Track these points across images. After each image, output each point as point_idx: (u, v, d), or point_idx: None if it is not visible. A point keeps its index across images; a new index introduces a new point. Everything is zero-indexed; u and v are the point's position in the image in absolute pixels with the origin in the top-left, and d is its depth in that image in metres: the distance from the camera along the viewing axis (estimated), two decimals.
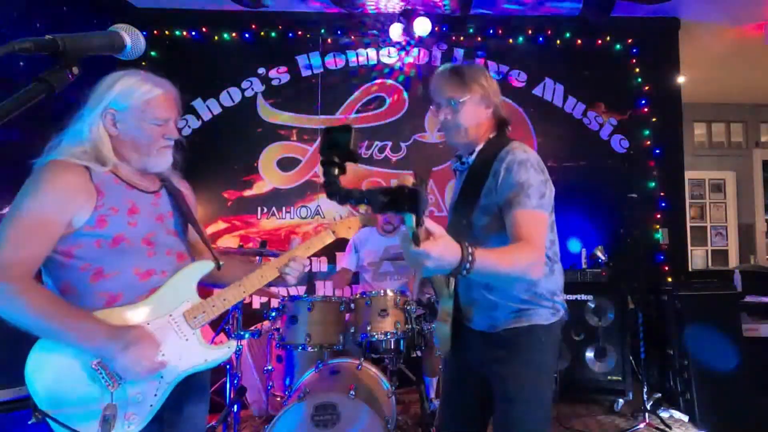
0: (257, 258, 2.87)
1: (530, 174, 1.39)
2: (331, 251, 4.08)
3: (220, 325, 2.95)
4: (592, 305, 3.57)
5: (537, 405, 1.44)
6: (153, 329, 1.32)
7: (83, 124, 1.32)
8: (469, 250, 1.13)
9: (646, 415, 3.17)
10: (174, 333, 1.36)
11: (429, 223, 1.06)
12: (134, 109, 1.33)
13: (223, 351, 1.43)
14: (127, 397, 1.27)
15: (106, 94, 1.32)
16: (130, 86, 1.33)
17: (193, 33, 4.29)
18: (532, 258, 1.30)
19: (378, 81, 4.38)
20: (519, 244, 1.31)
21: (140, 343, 1.25)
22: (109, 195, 1.30)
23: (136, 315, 1.31)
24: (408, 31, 4.13)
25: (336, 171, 1.01)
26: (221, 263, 1.48)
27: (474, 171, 1.52)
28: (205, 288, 1.49)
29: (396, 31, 4.13)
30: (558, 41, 4.41)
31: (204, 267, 1.44)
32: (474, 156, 1.54)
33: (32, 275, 1.23)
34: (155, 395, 1.31)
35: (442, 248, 1.07)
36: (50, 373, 1.22)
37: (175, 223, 1.46)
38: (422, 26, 4.08)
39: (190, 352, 1.37)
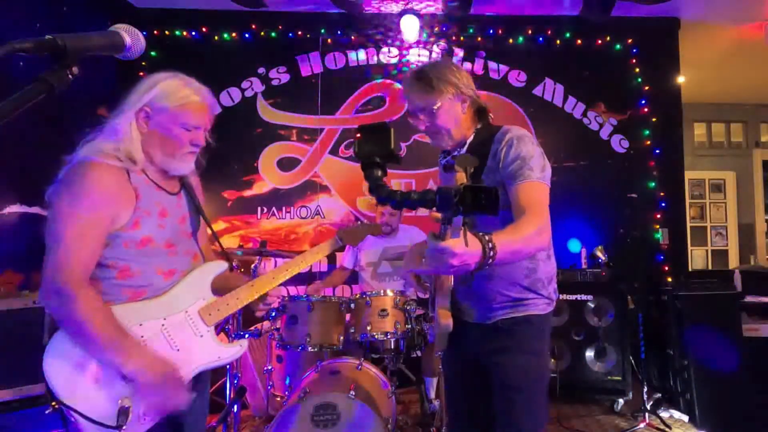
0: (257, 257, 2.87)
1: (530, 147, 1.41)
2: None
3: (220, 325, 2.95)
4: (592, 305, 3.57)
5: (539, 392, 1.47)
6: (169, 325, 1.35)
7: (119, 121, 1.33)
8: (487, 238, 1.10)
9: (646, 415, 3.17)
10: (189, 329, 1.39)
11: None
12: (169, 111, 1.34)
13: (235, 349, 1.47)
14: None
15: (146, 93, 1.33)
16: (170, 88, 1.34)
17: (193, 33, 4.29)
18: (539, 226, 1.30)
19: (378, 81, 4.39)
20: (525, 216, 1.31)
21: (170, 385, 1.27)
22: (144, 198, 1.33)
23: (155, 310, 1.34)
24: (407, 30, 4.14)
25: (379, 173, 0.94)
26: (233, 265, 1.53)
27: None
28: None
29: (408, 24, 4.09)
30: (558, 41, 4.41)
31: (218, 267, 1.49)
32: (465, 149, 1.54)
33: (88, 278, 1.24)
34: None
35: (462, 244, 1.03)
36: (68, 364, 1.23)
37: (191, 223, 1.49)
38: (410, 25, 4.08)
39: (205, 349, 1.40)
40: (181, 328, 1.37)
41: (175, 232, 1.41)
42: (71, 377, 1.23)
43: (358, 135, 0.98)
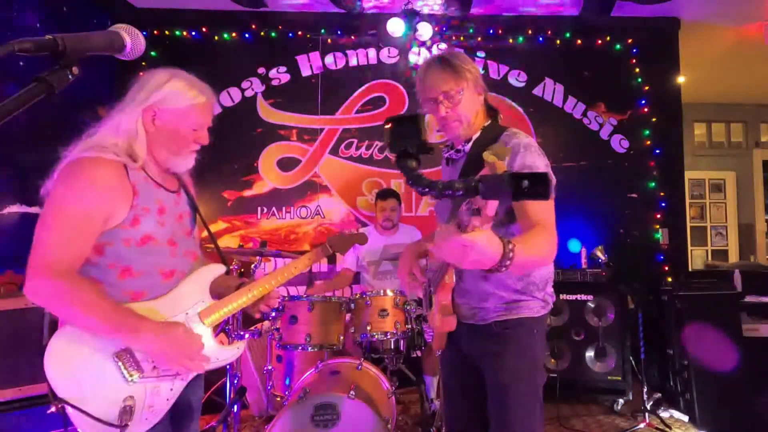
0: (257, 257, 2.87)
1: (536, 158, 1.39)
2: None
3: (220, 325, 2.95)
4: (592, 305, 3.57)
5: (532, 395, 1.46)
6: None
7: (123, 117, 1.32)
8: (510, 245, 1.05)
9: (646, 415, 3.17)
10: None
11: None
12: (177, 111, 1.35)
13: (232, 351, 1.48)
14: (145, 390, 1.29)
15: (155, 92, 1.33)
16: (179, 89, 1.35)
17: (193, 33, 4.29)
18: (551, 242, 1.28)
19: (378, 81, 4.38)
20: (536, 229, 1.28)
21: (187, 339, 1.30)
22: (142, 194, 1.32)
23: (156, 311, 1.34)
24: (408, 29, 4.13)
25: (414, 164, 0.91)
26: (229, 267, 1.53)
27: (474, 156, 1.49)
28: None
29: (394, 26, 4.08)
30: (558, 41, 4.41)
31: (216, 270, 1.49)
32: (471, 144, 1.52)
33: (77, 271, 1.24)
34: (171, 390, 1.34)
35: (487, 239, 0.98)
36: (70, 363, 1.23)
37: (190, 222, 1.50)
38: (425, 31, 4.09)
39: (204, 351, 1.39)
40: None
41: (175, 230, 1.41)
42: (73, 376, 1.22)
43: (388, 126, 0.95)
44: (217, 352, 1.43)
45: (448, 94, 1.47)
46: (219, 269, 1.50)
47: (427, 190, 0.87)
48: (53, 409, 1.21)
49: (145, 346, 1.26)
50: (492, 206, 0.89)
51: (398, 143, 0.91)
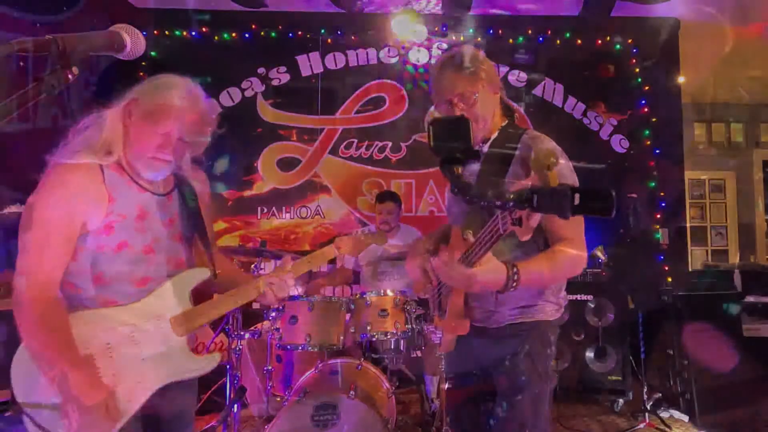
0: (257, 258, 2.87)
1: (563, 163, 1.38)
2: None
3: (220, 326, 2.95)
4: (592, 305, 3.57)
5: (542, 398, 1.47)
6: (138, 333, 1.29)
7: (108, 112, 1.30)
8: (514, 269, 1.15)
9: (646, 415, 3.17)
10: (159, 339, 1.32)
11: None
12: (147, 108, 1.28)
13: (205, 362, 1.38)
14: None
15: (138, 87, 1.30)
16: (158, 86, 1.30)
17: (193, 33, 4.29)
18: (576, 258, 1.28)
19: (378, 81, 4.38)
20: (561, 246, 1.27)
21: (101, 414, 1.18)
22: (119, 201, 1.28)
23: (126, 317, 1.29)
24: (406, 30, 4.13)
25: (460, 170, 0.91)
26: (217, 272, 1.44)
27: (493, 157, 1.45)
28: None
29: (400, 27, 4.08)
30: (558, 41, 4.41)
31: (199, 275, 1.41)
32: (488, 144, 1.48)
33: (58, 285, 1.22)
34: (129, 402, 1.26)
35: (487, 271, 1.09)
36: (31, 372, 1.21)
37: (182, 226, 1.43)
38: (402, 27, 4.10)
39: (172, 360, 1.32)
40: (151, 337, 1.30)
41: (158, 236, 1.34)
42: (32, 385, 1.20)
43: (432, 128, 0.93)
44: (189, 363, 1.35)
45: (464, 96, 1.42)
46: (201, 274, 1.41)
47: (475, 199, 0.85)
48: (11, 412, 1.20)
49: (69, 395, 1.16)
50: (536, 218, 0.88)
51: (443, 147, 0.89)
